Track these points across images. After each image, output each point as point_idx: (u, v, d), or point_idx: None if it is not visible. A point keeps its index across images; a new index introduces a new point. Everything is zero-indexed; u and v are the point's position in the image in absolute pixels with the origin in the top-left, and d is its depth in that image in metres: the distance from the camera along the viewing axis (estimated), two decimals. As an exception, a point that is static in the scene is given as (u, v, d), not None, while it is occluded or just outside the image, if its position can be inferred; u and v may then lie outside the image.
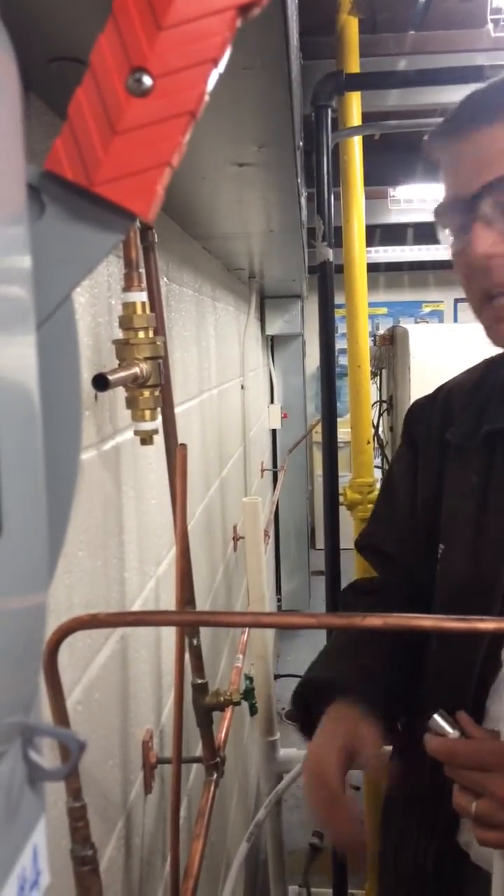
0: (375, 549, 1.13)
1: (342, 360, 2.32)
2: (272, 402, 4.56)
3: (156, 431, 0.95)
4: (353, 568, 1.98)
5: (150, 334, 0.90)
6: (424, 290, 7.05)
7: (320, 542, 5.35)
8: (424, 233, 5.61)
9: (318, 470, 2.76)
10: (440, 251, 5.66)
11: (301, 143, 1.33)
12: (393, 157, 3.79)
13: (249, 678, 1.49)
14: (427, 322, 6.95)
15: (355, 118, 2.20)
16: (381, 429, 3.90)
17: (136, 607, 1.15)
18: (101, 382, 0.78)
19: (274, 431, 4.66)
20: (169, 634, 1.31)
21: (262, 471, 3.84)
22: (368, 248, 2.38)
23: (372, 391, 2.56)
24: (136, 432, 0.94)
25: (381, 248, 5.69)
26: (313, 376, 5.36)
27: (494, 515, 0.88)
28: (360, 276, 2.21)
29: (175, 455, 1.08)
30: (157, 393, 0.91)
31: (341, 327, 2.26)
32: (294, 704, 1.00)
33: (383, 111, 2.65)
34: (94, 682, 0.94)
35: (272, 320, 4.39)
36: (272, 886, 1.54)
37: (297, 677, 1.14)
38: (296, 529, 5.07)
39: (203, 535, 1.90)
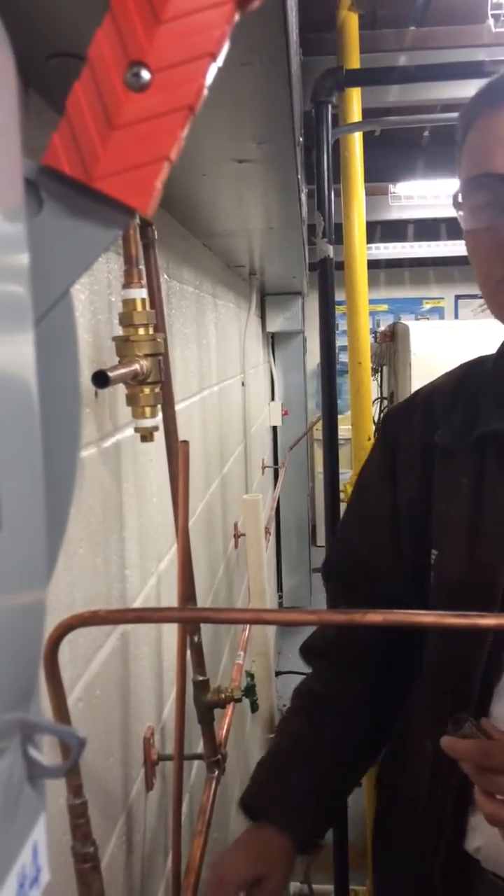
0: (354, 563, 1.06)
1: (343, 357, 2.31)
2: (273, 399, 4.56)
3: (156, 428, 0.95)
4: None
5: (151, 331, 0.89)
6: (425, 287, 7.04)
7: (321, 539, 5.36)
8: (425, 229, 5.60)
9: (319, 467, 2.75)
10: (441, 248, 5.66)
11: (301, 140, 1.32)
12: (393, 153, 3.78)
13: (251, 675, 1.49)
14: (428, 318, 6.95)
15: (356, 114, 2.20)
16: (381, 426, 3.88)
17: (137, 604, 1.15)
18: (101, 379, 0.78)
19: (275, 428, 4.66)
20: (170, 631, 1.31)
21: (263, 468, 3.84)
22: (369, 245, 2.38)
23: (373, 388, 2.56)
24: (137, 429, 0.94)
25: (381, 245, 5.69)
26: (314, 373, 5.36)
27: (490, 517, 0.86)
28: (361, 273, 2.21)
29: (176, 452, 1.08)
30: (157, 390, 0.91)
31: (342, 324, 2.26)
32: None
33: (384, 107, 2.65)
34: (95, 679, 0.94)
35: (273, 317, 4.39)
36: (274, 883, 1.54)
37: (299, 674, 1.15)
38: (297, 526, 5.07)
39: (204, 532, 1.90)
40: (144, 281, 0.94)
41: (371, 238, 5.18)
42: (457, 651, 0.88)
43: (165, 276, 1.49)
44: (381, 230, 5.60)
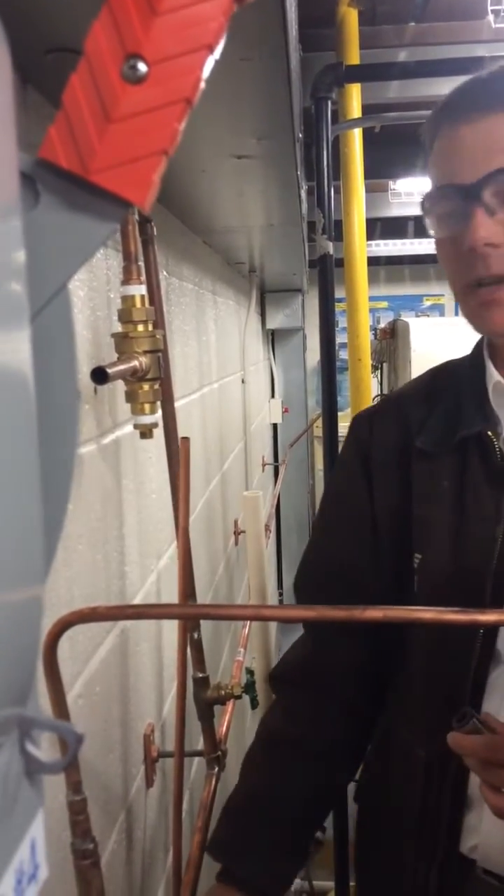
0: (332, 570, 1.03)
1: (343, 354, 2.31)
2: (273, 396, 4.56)
3: (155, 425, 0.95)
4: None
5: (150, 328, 0.89)
6: (425, 284, 7.04)
7: (321, 536, 5.35)
8: (425, 226, 5.59)
9: (319, 464, 2.75)
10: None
11: (301, 135, 1.32)
12: (393, 149, 3.78)
13: (251, 672, 1.49)
14: (428, 315, 6.94)
15: (355, 110, 2.20)
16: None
17: (137, 601, 1.15)
18: (100, 376, 0.78)
19: (275, 426, 4.65)
20: (170, 628, 1.31)
21: (264, 465, 3.84)
22: (369, 242, 2.38)
23: (373, 385, 2.56)
24: (136, 426, 0.94)
25: (381, 242, 5.68)
26: (314, 370, 5.35)
27: (473, 519, 0.86)
28: (361, 270, 2.21)
29: (175, 449, 1.08)
30: (156, 386, 0.91)
31: (342, 321, 2.25)
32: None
33: (383, 103, 2.64)
34: (95, 676, 0.94)
35: (273, 314, 4.39)
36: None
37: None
38: (297, 524, 5.07)
39: (204, 529, 1.90)
40: (143, 277, 0.94)
41: (371, 235, 5.17)
42: (448, 648, 0.88)
43: (165, 273, 1.49)
44: (381, 227, 5.59)
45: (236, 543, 2.51)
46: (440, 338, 3.38)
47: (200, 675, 1.23)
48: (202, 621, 1.25)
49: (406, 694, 0.97)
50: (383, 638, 0.97)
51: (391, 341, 3.80)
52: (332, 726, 1.01)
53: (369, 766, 1.04)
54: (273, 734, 1.03)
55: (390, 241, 5.72)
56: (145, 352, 0.88)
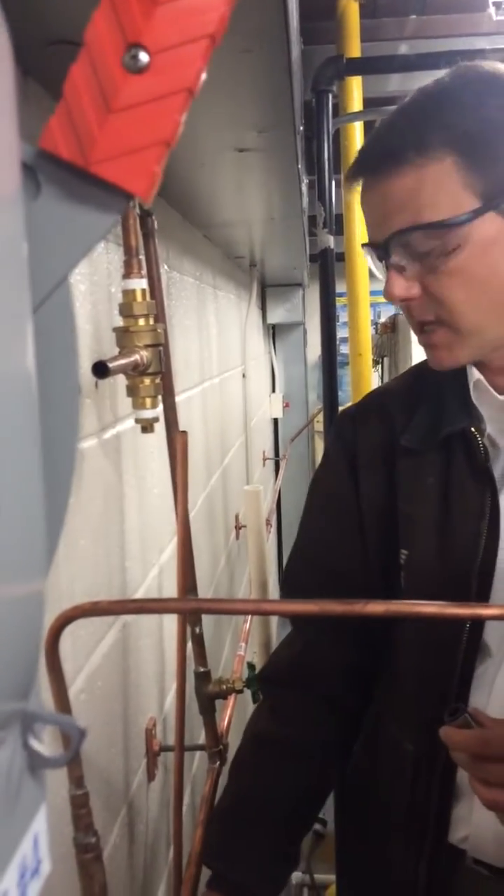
0: (319, 567, 1.02)
1: (344, 349, 2.31)
2: (274, 390, 4.56)
3: (156, 419, 0.95)
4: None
5: (151, 322, 0.89)
6: (426, 278, 7.01)
7: (322, 530, 5.35)
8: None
9: (320, 459, 2.75)
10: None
11: (302, 128, 1.32)
12: (394, 143, 3.76)
13: (252, 666, 1.49)
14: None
15: (356, 103, 2.18)
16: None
17: (138, 596, 1.15)
18: (101, 370, 0.78)
19: (276, 420, 4.65)
20: (171, 623, 1.31)
21: (264, 460, 3.84)
22: (370, 236, 2.36)
23: (374, 379, 2.55)
24: (137, 420, 0.94)
25: (382, 236, 5.65)
26: (315, 365, 5.35)
27: (458, 515, 0.87)
28: (362, 264, 2.20)
29: (176, 443, 1.08)
30: (157, 381, 0.91)
31: (343, 315, 2.25)
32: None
33: (384, 97, 2.63)
34: (96, 671, 0.94)
35: (273, 309, 4.38)
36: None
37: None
38: (298, 518, 5.04)
39: (205, 523, 1.89)
40: (144, 271, 0.93)
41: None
42: (434, 643, 0.89)
43: (165, 267, 1.48)
44: (382, 221, 5.57)
45: (237, 538, 2.51)
46: (441, 332, 3.36)
47: (202, 670, 1.23)
48: (204, 616, 1.26)
49: (393, 689, 0.97)
50: (371, 635, 0.97)
51: (392, 336, 3.79)
52: (321, 725, 1.01)
53: (356, 762, 1.04)
54: (261, 735, 1.02)
55: (391, 236, 5.69)
56: (146, 346, 0.88)
